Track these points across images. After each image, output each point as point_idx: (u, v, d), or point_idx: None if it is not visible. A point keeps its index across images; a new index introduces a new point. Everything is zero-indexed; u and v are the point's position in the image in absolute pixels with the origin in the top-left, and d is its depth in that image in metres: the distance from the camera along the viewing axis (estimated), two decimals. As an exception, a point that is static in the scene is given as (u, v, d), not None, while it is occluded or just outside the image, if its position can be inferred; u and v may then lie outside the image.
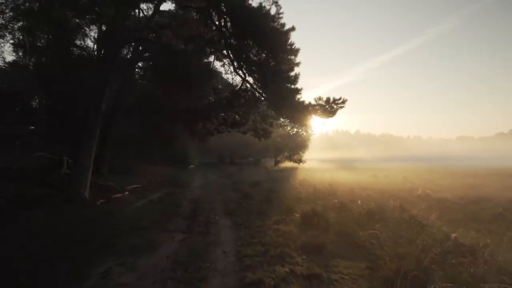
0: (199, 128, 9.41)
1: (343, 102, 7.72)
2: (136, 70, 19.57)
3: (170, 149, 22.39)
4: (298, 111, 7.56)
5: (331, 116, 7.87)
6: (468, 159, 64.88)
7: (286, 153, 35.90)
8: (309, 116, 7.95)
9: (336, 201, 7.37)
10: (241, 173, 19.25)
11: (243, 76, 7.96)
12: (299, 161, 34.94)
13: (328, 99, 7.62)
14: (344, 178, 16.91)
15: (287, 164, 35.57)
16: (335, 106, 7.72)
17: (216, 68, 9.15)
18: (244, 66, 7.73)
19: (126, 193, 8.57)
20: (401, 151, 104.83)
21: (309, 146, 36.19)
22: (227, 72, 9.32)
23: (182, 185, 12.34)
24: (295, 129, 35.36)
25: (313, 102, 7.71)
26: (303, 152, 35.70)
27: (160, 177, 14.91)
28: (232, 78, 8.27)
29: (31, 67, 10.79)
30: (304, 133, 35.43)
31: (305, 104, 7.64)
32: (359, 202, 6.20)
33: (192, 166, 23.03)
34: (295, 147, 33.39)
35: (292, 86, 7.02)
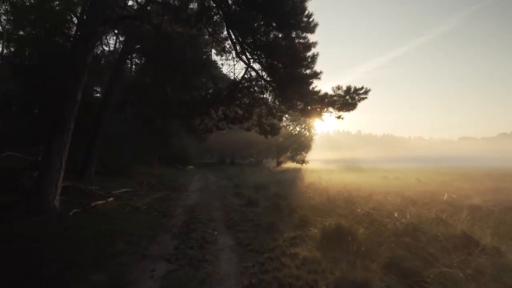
0: (197, 124, 8.16)
1: (366, 92, 6.50)
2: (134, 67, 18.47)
3: (168, 149, 21.20)
4: (312, 102, 6.33)
5: (351, 109, 6.64)
6: (474, 159, 63.59)
7: (288, 154, 34.75)
8: (325, 109, 6.72)
9: (359, 210, 6.15)
10: (242, 174, 18.00)
11: (247, 61, 6.74)
12: (302, 161, 33.75)
13: (348, 89, 6.39)
14: (353, 180, 15.69)
15: (290, 165, 34.36)
16: (356, 97, 6.50)
17: (216, 53, 7.90)
18: (249, 49, 6.50)
19: (110, 199, 7.35)
20: (404, 152, 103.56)
21: (312, 146, 35.05)
22: (228, 58, 8.11)
23: (178, 189, 11.13)
24: (298, 129, 34.27)
25: (330, 92, 6.48)
26: (306, 153, 34.53)
27: (155, 179, 13.72)
28: (234, 65, 7.07)
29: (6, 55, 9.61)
30: (307, 133, 34.31)
31: (321, 94, 6.41)
32: (396, 215, 4.95)
33: (190, 167, 21.82)
34: (298, 148, 32.19)
35: (308, 72, 5.79)
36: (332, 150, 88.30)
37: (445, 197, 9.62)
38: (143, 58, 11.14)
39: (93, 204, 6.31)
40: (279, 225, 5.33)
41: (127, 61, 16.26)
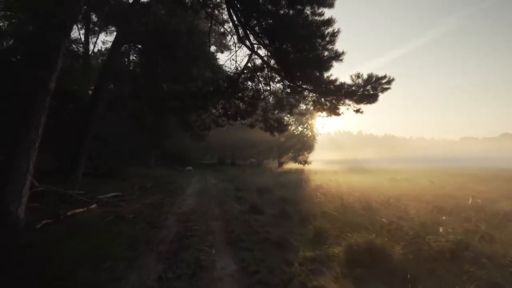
0: (193, 120, 7.21)
1: (389, 81, 5.56)
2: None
3: (165, 149, 20.26)
4: (328, 93, 5.37)
5: (372, 102, 5.70)
6: (478, 160, 62.43)
7: (290, 154, 33.81)
8: (341, 102, 5.76)
9: (384, 220, 5.20)
10: (244, 176, 17.05)
11: (251, 47, 5.80)
12: (305, 162, 32.79)
13: (369, 77, 5.44)
14: (361, 182, 14.75)
15: (292, 165, 33.39)
16: (378, 88, 5.54)
17: (215, 38, 6.94)
18: (253, 32, 5.55)
19: (93, 206, 6.40)
20: (406, 152, 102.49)
21: (314, 146, 34.14)
22: (229, 43, 7.14)
23: (174, 192, 10.18)
24: (300, 128, 33.32)
25: (348, 82, 5.53)
26: (309, 153, 33.60)
27: (151, 181, 12.78)
28: (236, 51, 6.14)
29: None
30: (310, 133, 33.39)
31: (337, 84, 5.45)
32: (440, 230, 3.99)
33: (189, 167, 20.87)
34: (302, 148, 31.29)
35: (325, 53, 4.83)
36: (334, 150, 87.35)
37: (470, 202, 8.69)
38: (136, 49, 10.19)
39: (69, 213, 5.36)
40: (291, 240, 4.39)
41: (125, 59, 15.44)
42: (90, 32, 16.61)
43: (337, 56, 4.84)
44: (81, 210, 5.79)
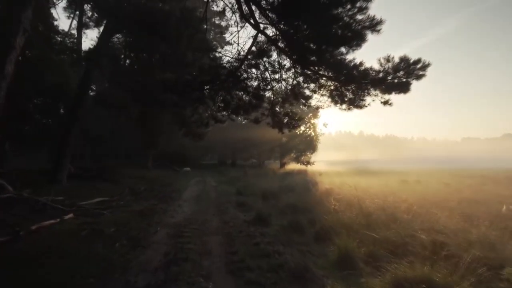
0: (188, 115, 6.21)
1: (424, 67, 4.56)
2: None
3: (163, 149, 19.29)
4: (350, 80, 4.37)
5: (404, 91, 4.70)
6: (483, 161, 61.28)
7: (293, 155, 32.90)
8: (365, 91, 4.76)
9: (423, 237, 4.20)
10: (245, 177, 16.03)
11: (255, 24, 4.80)
12: (307, 163, 31.85)
13: (401, 61, 4.45)
14: (370, 185, 13.72)
15: (293, 166, 32.43)
16: (412, 74, 4.54)
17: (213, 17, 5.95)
18: (259, 8, 4.55)
19: (69, 216, 5.39)
20: (409, 153, 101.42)
21: (318, 147, 33.23)
22: (229, 23, 6.13)
23: (169, 196, 9.21)
24: (303, 128, 32.33)
25: (376, 67, 4.52)
26: (312, 154, 32.67)
27: (145, 184, 11.82)
28: (238, 32, 5.14)
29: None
30: (313, 132, 32.46)
31: (362, 69, 4.45)
32: None
33: (187, 168, 19.91)
34: (305, 148, 30.41)
35: (357, 26, 3.77)
36: (335, 151, 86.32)
37: (503, 209, 7.69)
38: (127, 40, 9.22)
39: (34, 227, 4.34)
40: (311, 267, 3.39)
41: (116, 52, 14.49)
42: (84, 26, 15.71)
43: (373, 26, 3.71)
44: (51, 222, 4.78)
